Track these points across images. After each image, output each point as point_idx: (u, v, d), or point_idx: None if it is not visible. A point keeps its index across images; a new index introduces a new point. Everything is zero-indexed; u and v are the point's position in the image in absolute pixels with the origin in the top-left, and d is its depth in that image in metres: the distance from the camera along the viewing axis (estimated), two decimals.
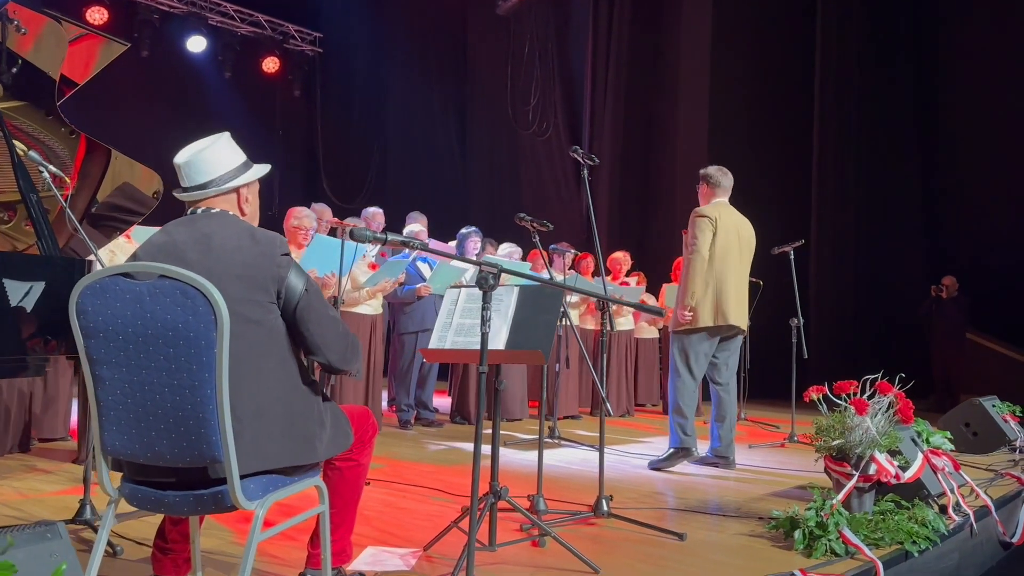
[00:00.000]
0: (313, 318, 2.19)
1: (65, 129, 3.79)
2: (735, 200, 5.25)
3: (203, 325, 1.88)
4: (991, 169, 9.78)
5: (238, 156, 2.30)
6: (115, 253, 4.69)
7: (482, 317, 2.35)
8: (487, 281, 2.36)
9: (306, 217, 5.41)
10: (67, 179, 3.35)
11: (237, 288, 2.07)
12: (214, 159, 2.24)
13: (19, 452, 4.64)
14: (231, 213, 2.26)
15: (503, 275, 2.55)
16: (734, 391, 5.14)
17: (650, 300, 8.00)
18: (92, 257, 3.24)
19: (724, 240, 4.99)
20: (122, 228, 4.43)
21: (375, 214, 6.29)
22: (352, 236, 2.35)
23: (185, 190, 2.25)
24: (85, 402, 4.42)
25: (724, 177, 5.14)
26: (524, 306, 2.92)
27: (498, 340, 2.87)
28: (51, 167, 3.19)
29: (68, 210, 3.22)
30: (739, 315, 5.01)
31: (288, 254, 2.19)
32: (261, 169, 2.35)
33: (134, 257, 2.22)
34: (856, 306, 10.44)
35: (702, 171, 5.22)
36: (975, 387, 7.84)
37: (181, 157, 2.24)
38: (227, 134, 2.32)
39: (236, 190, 2.28)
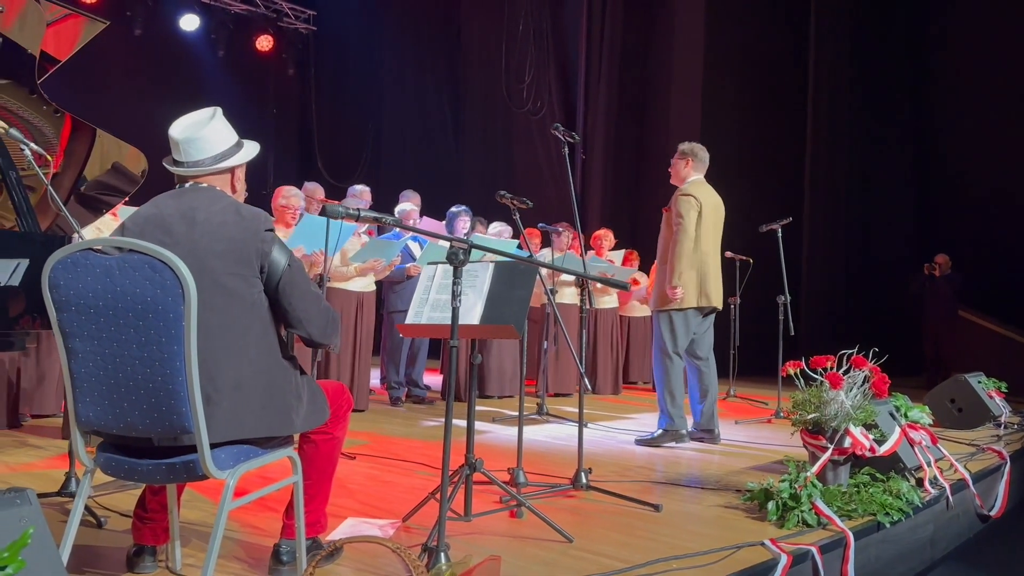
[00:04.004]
0: (296, 293, 2.24)
1: (48, 108, 3.80)
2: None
3: (171, 299, 1.92)
4: (985, 147, 9.76)
5: (232, 135, 2.34)
6: (101, 230, 4.72)
7: (452, 291, 2.39)
8: (457, 256, 2.40)
9: (294, 196, 5.43)
10: (49, 158, 3.37)
11: (221, 262, 2.12)
12: (212, 137, 2.27)
13: (7, 429, 4.64)
14: (219, 188, 2.29)
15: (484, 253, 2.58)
16: (714, 365, 5.23)
17: (642, 279, 8.04)
18: (75, 235, 3.26)
19: (706, 220, 5.08)
20: (109, 206, 4.46)
21: (362, 192, 6.30)
22: (324, 212, 2.37)
23: (179, 164, 2.28)
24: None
25: (704, 154, 5.23)
26: (499, 282, 2.95)
27: (473, 315, 2.91)
28: (33, 145, 3.20)
29: (51, 189, 3.25)
30: (718, 295, 5.15)
31: (272, 230, 2.23)
32: (253, 149, 2.39)
33: (122, 227, 2.26)
34: (847, 284, 10.48)
35: (684, 146, 5.27)
36: (966, 364, 7.81)
37: (178, 132, 2.26)
38: (219, 110, 2.34)
39: (231, 170, 2.33)
